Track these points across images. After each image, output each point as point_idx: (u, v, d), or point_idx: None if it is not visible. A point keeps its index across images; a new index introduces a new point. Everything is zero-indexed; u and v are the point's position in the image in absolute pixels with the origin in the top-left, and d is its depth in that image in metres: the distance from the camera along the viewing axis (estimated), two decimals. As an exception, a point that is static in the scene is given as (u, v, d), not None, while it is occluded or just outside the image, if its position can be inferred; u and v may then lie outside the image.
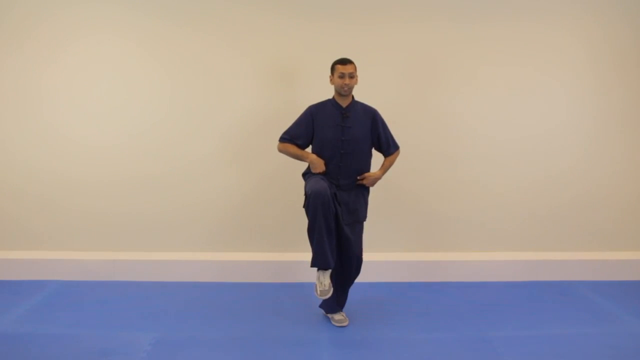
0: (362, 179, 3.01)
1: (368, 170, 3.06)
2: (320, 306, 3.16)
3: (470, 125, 3.79)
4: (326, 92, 3.09)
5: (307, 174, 3.07)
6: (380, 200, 3.58)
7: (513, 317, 3.20)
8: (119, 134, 3.72)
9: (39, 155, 3.73)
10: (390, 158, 3.10)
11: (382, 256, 3.81)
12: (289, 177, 3.54)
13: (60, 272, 3.73)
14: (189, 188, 3.78)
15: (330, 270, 2.82)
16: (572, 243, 3.93)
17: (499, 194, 3.86)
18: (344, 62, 2.91)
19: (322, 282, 2.78)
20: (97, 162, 3.74)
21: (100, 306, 3.29)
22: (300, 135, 3.00)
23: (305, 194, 2.90)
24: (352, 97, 3.01)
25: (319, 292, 2.79)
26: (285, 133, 3.03)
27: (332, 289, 2.81)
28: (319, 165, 2.92)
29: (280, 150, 3.06)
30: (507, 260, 3.84)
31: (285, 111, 3.44)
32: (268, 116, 3.70)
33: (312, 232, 2.79)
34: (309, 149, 3.06)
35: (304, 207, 2.92)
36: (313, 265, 2.79)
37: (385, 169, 3.08)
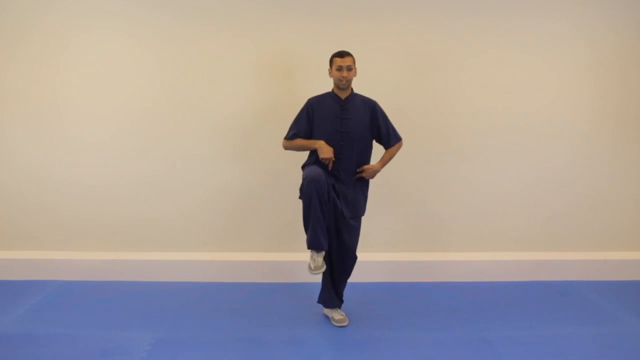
0: (361, 172, 3.01)
1: (368, 162, 3.06)
2: (319, 301, 3.16)
3: (471, 124, 3.78)
4: (327, 84, 3.09)
5: (306, 166, 3.07)
6: (380, 199, 3.58)
7: (513, 317, 3.20)
8: (117, 133, 3.72)
9: (38, 155, 3.73)
10: (390, 150, 3.09)
11: (381, 256, 3.80)
12: (289, 176, 3.54)
13: (60, 272, 3.73)
14: (189, 187, 3.78)
15: (324, 252, 2.86)
16: (572, 243, 3.93)
17: (499, 193, 3.86)
18: (342, 54, 2.91)
19: (316, 260, 2.84)
20: (96, 162, 3.74)
21: (100, 306, 3.29)
22: (302, 129, 3.00)
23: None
24: (352, 89, 3.02)
25: (312, 267, 2.83)
26: (288, 131, 3.04)
27: (325, 266, 2.86)
28: (327, 151, 2.88)
29: (286, 147, 3.06)
30: (507, 260, 3.84)
31: (286, 108, 3.44)
32: (268, 114, 3.69)
33: (307, 217, 2.83)
34: None
35: (299, 197, 2.90)
36: (309, 247, 2.85)
37: (384, 161, 3.08)
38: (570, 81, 3.79)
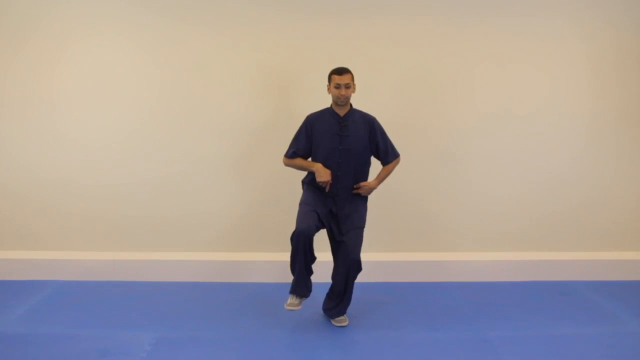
0: (358, 188, 3.01)
1: (366, 179, 3.07)
2: (323, 309, 3.17)
3: (470, 125, 3.78)
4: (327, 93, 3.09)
5: (305, 183, 3.08)
6: (381, 200, 3.57)
7: (513, 317, 3.20)
8: (118, 135, 3.72)
9: (39, 156, 3.73)
10: (387, 167, 3.08)
11: (382, 256, 3.80)
12: (289, 177, 3.53)
13: (60, 272, 3.73)
14: (189, 188, 3.78)
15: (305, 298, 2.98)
16: (572, 243, 3.93)
17: (499, 194, 3.86)
18: (340, 72, 2.90)
19: (294, 298, 2.94)
20: (96, 162, 3.74)
21: (100, 306, 3.30)
22: (301, 147, 3.01)
23: (298, 210, 2.94)
24: (350, 105, 3.01)
25: (288, 302, 2.93)
26: (289, 148, 3.05)
27: (301, 307, 2.95)
28: (325, 174, 2.90)
29: (287, 165, 3.09)
30: (507, 260, 3.84)
31: (289, 109, 3.44)
32: (269, 118, 3.70)
33: (293, 265, 2.90)
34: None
35: (291, 238, 2.88)
36: (291, 292, 2.94)
37: (381, 179, 3.07)
38: (570, 82, 3.78)
